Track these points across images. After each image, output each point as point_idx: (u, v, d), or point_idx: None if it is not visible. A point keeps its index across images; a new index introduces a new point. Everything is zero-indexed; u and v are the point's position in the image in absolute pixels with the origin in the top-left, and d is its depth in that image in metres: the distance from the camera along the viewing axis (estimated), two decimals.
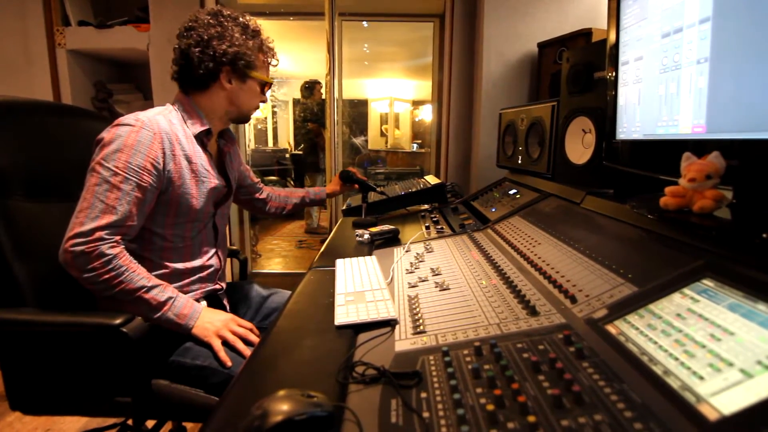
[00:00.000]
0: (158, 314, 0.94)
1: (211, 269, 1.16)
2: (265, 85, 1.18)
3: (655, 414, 0.39)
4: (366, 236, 1.23)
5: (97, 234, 0.89)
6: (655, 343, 0.47)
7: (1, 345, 0.99)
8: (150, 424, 1.20)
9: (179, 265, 1.08)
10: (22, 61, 2.26)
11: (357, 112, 7.32)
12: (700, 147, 0.68)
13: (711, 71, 0.66)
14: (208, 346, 0.96)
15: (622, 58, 0.92)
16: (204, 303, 1.11)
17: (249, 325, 1.03)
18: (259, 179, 1.48)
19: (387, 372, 0.53)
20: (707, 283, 0.52)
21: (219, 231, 1.20)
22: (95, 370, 0.98)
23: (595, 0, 2.03)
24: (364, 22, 4.14)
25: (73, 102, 2.30)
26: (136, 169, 0.94)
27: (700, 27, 0.67)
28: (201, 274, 1.13)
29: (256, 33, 1.13)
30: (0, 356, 0.99)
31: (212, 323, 0.98)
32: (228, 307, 1.23)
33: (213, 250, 1.17)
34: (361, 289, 0.83)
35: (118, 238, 0.93)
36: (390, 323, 0.69)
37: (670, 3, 0.75)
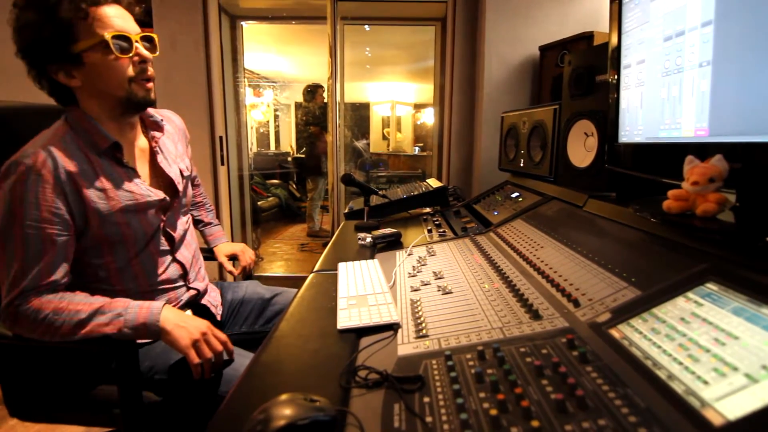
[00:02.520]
0: (116, 334, 0.84)
1: (174, 277, 1.06)
2: (109, 43, 0.88)
3: (659, 419, 0.39)
4: (368, 239, 1.23)
5: (15, 303, 0.84)
6: (659, 347, 0.47)
7: None
8: None
9: (131, 285, 0.98)
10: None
11: (359, 116, 7.35)
12: (702, 150, 0.68)
13: (713, 74, 0.66)
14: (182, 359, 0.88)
15: (624, 61, 0.91)
16: (162, 302, 0.92)
17: (224, 337, 0.90)
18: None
19: (390, 376, 0.53)
20: (711, 286, 0.51)
21: (174, 235, 1.06)
22: (88, 382, 0.98)
23: (596, 3, 2.04)
24: (366, 26, 4.16)
25: None
26: (32, 224, 0.83)
27: (702, 30, 0.67)
28: (164, 286, 1.03)
29: None
30: None
31: (187, 328, 0.86)
32: (220, 312, 1.19)
33: (169, 258, 1.05)
34: (363, 292, 0.83)
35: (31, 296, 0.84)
36: (392, 327, 0.69)
37: (672, 6, 0.75)
